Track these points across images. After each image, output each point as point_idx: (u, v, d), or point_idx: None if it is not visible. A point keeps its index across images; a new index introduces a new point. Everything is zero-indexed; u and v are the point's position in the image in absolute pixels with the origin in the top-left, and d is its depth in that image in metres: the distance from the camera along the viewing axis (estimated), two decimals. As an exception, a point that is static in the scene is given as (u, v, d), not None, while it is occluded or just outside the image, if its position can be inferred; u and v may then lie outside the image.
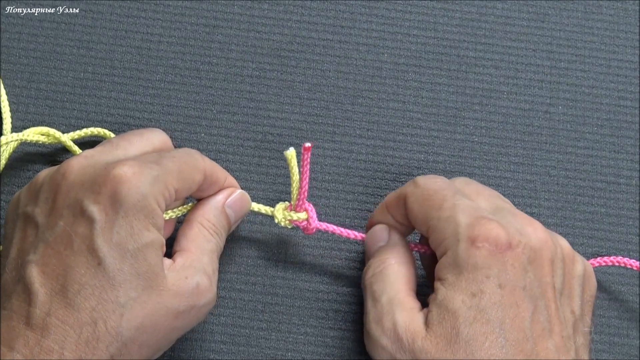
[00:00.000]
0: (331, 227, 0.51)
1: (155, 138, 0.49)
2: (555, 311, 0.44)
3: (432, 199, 0.47)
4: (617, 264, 0.52)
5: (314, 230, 0.51)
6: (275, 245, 0.53)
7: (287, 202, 0.51)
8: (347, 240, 0.53)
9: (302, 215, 0.51)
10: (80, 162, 0.45)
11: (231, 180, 0.50)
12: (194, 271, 0.45)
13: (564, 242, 0.47)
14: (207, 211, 0.48)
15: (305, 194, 0.50)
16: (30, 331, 0.41)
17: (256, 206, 0.52)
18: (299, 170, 0.49)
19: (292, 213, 0.51)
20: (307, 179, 0.49)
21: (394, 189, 0.54)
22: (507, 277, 0.43)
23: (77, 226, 0.43)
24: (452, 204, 0.46)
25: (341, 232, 0.52)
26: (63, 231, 0.43)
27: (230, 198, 0.49)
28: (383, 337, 0.46)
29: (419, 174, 0.55)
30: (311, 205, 0.51)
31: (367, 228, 0.51)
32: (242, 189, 0.54)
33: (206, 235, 0.48)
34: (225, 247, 0.53)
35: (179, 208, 0.49)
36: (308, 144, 0.47)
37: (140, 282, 0.42)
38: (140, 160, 0.45)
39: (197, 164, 0.47)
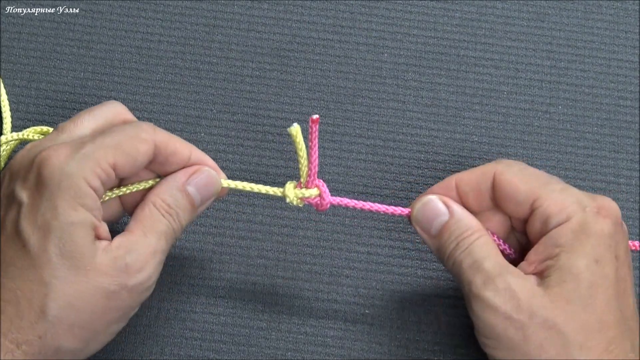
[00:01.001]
0: (346, 201, 0.49)
1: (106, 112, 0.47)
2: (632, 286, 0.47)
3: (537, 174, 0.47)
4: None
5: (328, 205, 0.49)
6: (275, 244, 0.53)
7: (294, 181, 0.49)
8: (348, 240, 0.53)
9: (314, 191, 0.49)
10: (23, 153, 0.45)
11: (198, 154, 0.48)
12: (126, 252, 0.44)
13: None
14: (163, 190, 0.46)
15: (316, 169, 0.48)
16: None
17: (264, 188, 0.49)
18: (307, 145, 0.47)
19: (303, 190, 0.49)
20: (317, 153, 0.47)
21: (394, 189, 0.55)
22: (621, 250, 0.45)
23: (9, 212, 0.43)
24: (556, 181, 0.47)
25: (356, 204, 0.49)
26: (1, 220, 0.44)
27: (194, 177, 0.47)
28: (497, 297, 0.44)
29: (419, 174, 0.55)
30: (321, 180, 0.49)
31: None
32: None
33: (156, 215, 0.46)
34: (225, 246, 0.53)
35: (132, 185, 0.47)
36: (316, 116, 0.45)
37: (65, 261, 0.42)
38: (73, 141, 0.44)
39: (140, 135, 0.45)
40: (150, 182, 0.47)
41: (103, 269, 0.43)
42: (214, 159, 0.54)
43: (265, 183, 0.54)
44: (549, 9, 0.59)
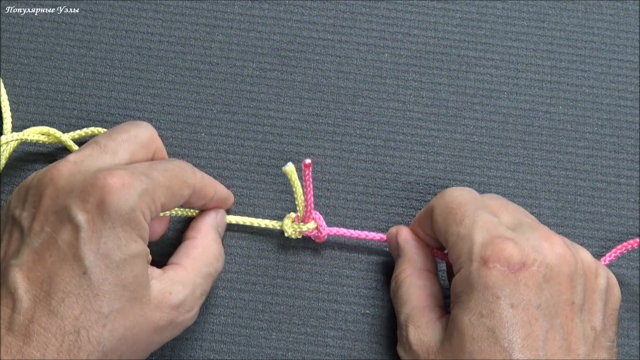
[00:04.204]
0: (342, 231, 0.52)
1: (142, 134, 0.48)
2: (574, 329, 0.44)
3: (455, 212, 0.47)
4: (621, 252, 0.52)
5: (326, 237, 0.52)
6: (275, 245, 0.53)
7: (293, 214, 0.52)
8: (347, 239, 0.53)
9: (311, 225, 0.51)
10: (69, 167, 0.44)
11: (220, 190, 0.51)
12: (181, 288, 0.45)
13: (585, 256, 0.46)
14: (211, 232, 0.49)
15: (312, 205, 0.50)
16: (12, 337, 0.40)
17: (263, 222, 0.52)
18: (302, 184, 0.49)
19: (301, 225, 0.51)
20: (312, 192, 0.49)
21: (394, 189, 0.55)
22: (519, 296, 0.43)
23: (63, 233, 0.42)
24: (472, 220, 0.46)
25: (352, 234, 0.52)
26: (49, 237, 0.42)
27: (219, 218, 0.51)
28: (403, 353, 0.48)
29: (419, 174, 0.55)
30: (318, 213, 0.51)
31: None
32: (242, 189, 0.54)
33: (209, 258, 0.48)
34: (226, 247, 0.53)
35: (175, 209, 0.50)
36: (308, 161, 0.47)
37: (124, 293, 0.42)
38: (131, 169, 0.44)
39: (186, 179, 0.47)
40: (189, 212, 0.51)
41: (157, 303, 0.44)
42: (214, 159, 0.54)
43: (265, 183, 0.54)
44: (549, 9, 0.59)
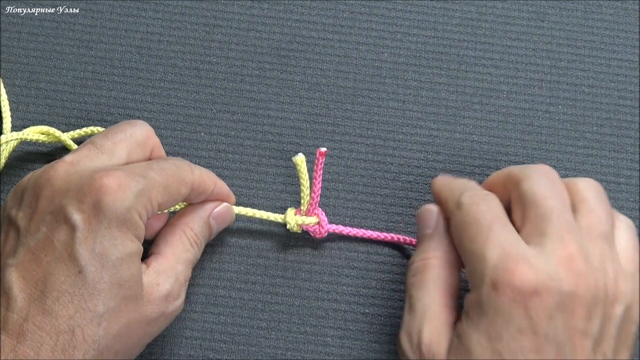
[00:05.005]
0: (342, 228, 0.52)
1: (138, 133, 0.48)
2: (583, 357, 0.43)
3: (468, 229, 0.45)
4: None
5: (326, 233, 0.52)
6: (274, 244, 0.53)
7: (294, 208, 0.52)
8: (347, 239, 0.53)
9: (314, 219, 0.52)
10: (66, 168, 0.45)
11: (221, 186, 0.50)
12: (166, 278, 0.46)
13: (607, 277, 0.44)
14: (193, 220, 0.49)
15: (318, 198, 0.51)
16: (6, 336, 0.41)
17: (265, 214, 0.52)
18: (310, 175, 0.49)
19: (303, 217, 0.52)
20: (320, 183, 0.50)
21: (393, 189, 0.55)
22: (528, 323, 0.42)
23: (59, 233, 0.42)
24: (484, 237, 0.44)
25: (350, 232, 0.52)
26: (45, 237, 0.43)
27: (216, 210, 0.50)
28: (409, 349, 0.46)
29: (418, 174, 0.55)
30: (320, 209, 0.52)
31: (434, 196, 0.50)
32: (241, 188, 0.54)
33: (186, 244, 0.48)
34: (225, 246, 0.53)
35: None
36: (323, 149, 0.47)
37: (120, 291, 0.42)
38: (127, 170, 0.44)
39: (184, 178, 0.47)
40: (182, 205, 0.50)
41: (148, 296, 0.44)
42: (214, 158, 0.54)
43: (264, 182, 0.54)
44: (549, 9, 0.59)
